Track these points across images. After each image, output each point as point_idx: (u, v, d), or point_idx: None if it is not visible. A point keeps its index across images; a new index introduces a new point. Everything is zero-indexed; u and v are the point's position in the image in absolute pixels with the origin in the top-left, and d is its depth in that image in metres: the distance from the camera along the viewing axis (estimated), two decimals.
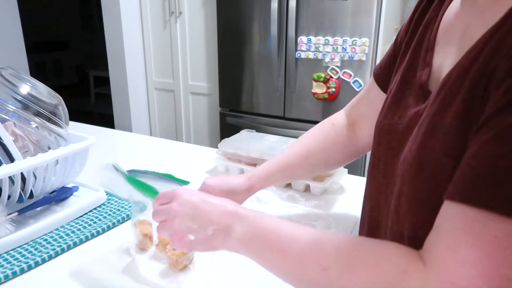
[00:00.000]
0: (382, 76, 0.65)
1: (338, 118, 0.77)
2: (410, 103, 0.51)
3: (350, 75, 1.97)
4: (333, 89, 2.00)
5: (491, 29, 0.39)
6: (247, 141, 1.07)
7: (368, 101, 0.71)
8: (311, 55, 2.02)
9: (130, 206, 0.84)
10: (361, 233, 0.62)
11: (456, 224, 0.36)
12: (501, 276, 0.33)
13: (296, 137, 2.22)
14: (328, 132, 0.75)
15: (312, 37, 2.00)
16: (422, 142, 0.44)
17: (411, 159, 0.45)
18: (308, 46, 2.01)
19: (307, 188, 0.93)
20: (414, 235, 0.45)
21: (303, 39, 2.01)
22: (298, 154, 0.74)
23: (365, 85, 1.93)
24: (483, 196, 0.34)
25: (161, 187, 0.94)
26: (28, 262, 0.65)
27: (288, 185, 0.95)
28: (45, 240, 0.71)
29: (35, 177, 0.75)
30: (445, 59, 0.49)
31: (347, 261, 0.42)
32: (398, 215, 0.48)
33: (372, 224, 0.57)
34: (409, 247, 0.43)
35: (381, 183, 0.55)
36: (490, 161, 0.34)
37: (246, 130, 1.17)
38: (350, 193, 0.93)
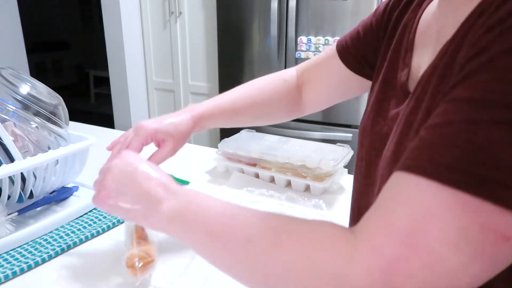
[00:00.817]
0: (348, 54, 0.66)
1: (289, 75, 0.76)
2: (392, 104, 0.52)
3: None
4: None
5: (459, 27, 0.40)
6: (247, 141, 1.07)
7: (323, 68, 0.71)
8: (311, 55, 2.02)
9: None
10: None
11: (392, 193, 0.33)
12: (432, 252, 0.29)
13: (296, 137, 2.21)
14: (278, 88, 0.74)
15: (312, 37, 2.00)
16: (398, 141, 0.45)
17: (388, 157, 0.46)
18: (308, 46, 2.01)
19: (307, 188, 0.93)
20: None
21: (303, 39, 2.01)
22: (245, 102, 0.72)
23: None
24: (421, 162, 0.32)
25: None
26: (28, 262, 0.65)
27: (288, 185, 0.95)
28: (45, 240, 0.71)
29: (35, 177, 0.75)
30: (422, 59, 0.49)
31: (274, 233, 0.38)
32: None
33: (353, 222, 0.58)
34: None
35: (363, 184, 0.56)
36: (432, 131, 0.32)
37: (246, 130, 1.17)
38: (350, 193, 0.93)
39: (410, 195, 0.32)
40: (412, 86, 0.49)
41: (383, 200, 0.34)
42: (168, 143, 0.64)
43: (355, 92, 0.71)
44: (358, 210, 0.58)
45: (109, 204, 0.50)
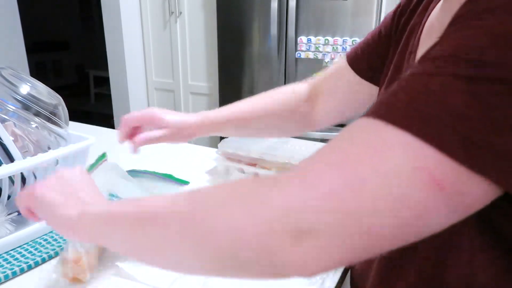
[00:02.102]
0: (359, 62, 0.66)
1: (300, 88, 0.75)
2: None
3: None
4: None
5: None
6: (247, 141, 1.07)
7: (334, 80, 0.71)
8: (311, 55, 2.02)
9: None
10: None
11: (338, 134, 0.32)
12: (358, 178, 0.27)
13: (296, 137, 2.21)
14: (288, 100, 0.74)
15: (312, 37, 2.00)
16: None
17: None
18: (308, 46, 2.01)
19: None
20: None
21: (303, 39, 2.01)
22: (255, 112, 0.73)
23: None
24: (373, 107, 0.31)
25: (161, 187, 0.94)
26: (28, 262, 0.65)
27: None
28: (45, 240, 0.71)
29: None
30: (426, 44, 0.49)
31: (199, 198, 0.35)
32: None
33: None
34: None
35: None
36: (393, 84, 0.31)
37: None
38: None
39: (353, 132, 0.30)
40: None
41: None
42: (167, 128, 0.68)
43: (368, 101, 0.69)
44: None
45: (35, 195, 0.47)
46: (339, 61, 0.70)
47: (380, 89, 0.60)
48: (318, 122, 0.74)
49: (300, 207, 0.28)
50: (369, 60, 0.65)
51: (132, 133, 0.73)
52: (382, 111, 0.29)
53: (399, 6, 0.61)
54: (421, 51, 0.51)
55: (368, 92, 0.67)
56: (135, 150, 0.72)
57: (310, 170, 0.30)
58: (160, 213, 0.36)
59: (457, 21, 0.31)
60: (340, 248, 0.28)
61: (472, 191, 0.27)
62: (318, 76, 0.74)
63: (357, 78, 0.67)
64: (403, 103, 0.29)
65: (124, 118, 0.69)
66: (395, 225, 0.27)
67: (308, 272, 0.29)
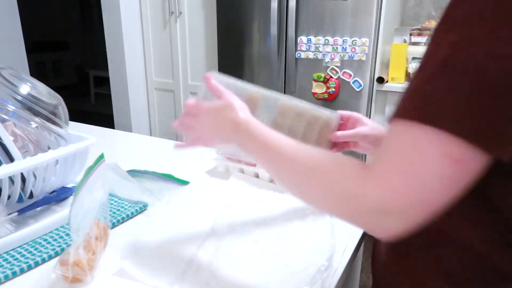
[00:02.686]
0: None
1: None
2: None
3: (350, 75, 1.97)
4: (333, 89, 2.00)
5: None
6: None
7: None
8: (311, 55, 2.02)
9: (130, 206, 0.84)
10: None
11: (389, 136, 0.41)
12: (414, 176, 0.38)
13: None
14: None
15: (312, 37, 2.00)
16: None
17: None
18: (308, 46, 2.01)
19: None
20: None
21: (303, 39, 2.01)
22: None
23: (365, 85, 1.93)
24: (397, 107, 0.40)
25: (161, 187, 0.94)
26: (28, 262, 0.65)
27: None
28: (45, 240, 0.71)
29: (35, 177, 0.75)
30: None
31: (316, 164, 0.48)
32: None
33: None
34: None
35: None
36: (414, 85, 0.40)
37: None
38: None
39: (397, 138, 0.40)
40: None
41: (384, 142, 0.43)
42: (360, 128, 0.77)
43: None
44: None
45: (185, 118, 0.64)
46: None
47: None
48: None
49: (383, 198, 0.40)
50: None
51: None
52: (403, 112, 0.39)
53: None
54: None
55: None
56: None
57: (382, 176, 0.40)
58: (296, 159, 0.50)
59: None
60: (409, 220, 0.40)
61: (477, 164, 0.37)
62: None
63: None
64: (421, 102, 0.38)
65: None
66: (440, 198, 0.39)
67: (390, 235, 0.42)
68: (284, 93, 2.14)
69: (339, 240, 0.73)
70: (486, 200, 0.43)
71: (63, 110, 0.84)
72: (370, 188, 0.41)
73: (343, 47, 1.95)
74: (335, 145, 0.77)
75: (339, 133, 0.75)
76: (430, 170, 0.38)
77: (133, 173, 0.99)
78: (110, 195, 0.88)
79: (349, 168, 0.44)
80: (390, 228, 0.41)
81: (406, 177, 0.39)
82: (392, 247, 0.54)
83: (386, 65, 2.10)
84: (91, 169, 0.63)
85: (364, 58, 1.92)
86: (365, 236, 0.77)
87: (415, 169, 0.38)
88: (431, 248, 0.48)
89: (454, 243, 0.46)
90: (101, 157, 0.67)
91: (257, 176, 0.99)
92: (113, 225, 0.78)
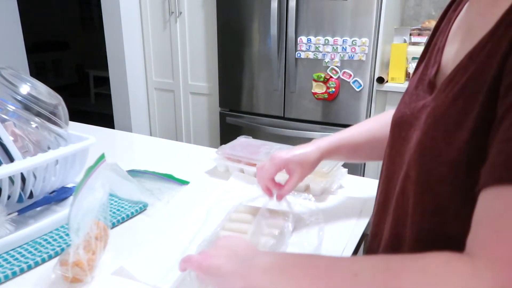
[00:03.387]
0: None
1: None
2: (420, 97, 0.57)
3: (350, 75, 1.97)
4: (333, 89, 2.00)
5: (491, 29, 0.43)
6: (242, 150, 1.06)
7: None
8: (311, 55, 2.02)
9: (130, 206, 0.84)
10: (372, 219, 0.67)
11: (495, 209, 0.35)
12: None
13: (296, 137, 2.20)
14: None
15: (312, 37, 2.00)
16: (425, 131, 0.48)
17: (415, 145, 0.50)
18: (308, 46, 2.01)
19: (307, 188, 0.93)
20: (418, 220, 0.49)
21: (303, 39, 2.01)
22: (365, 136, 0.77)
23: (364, 85, 1.93)
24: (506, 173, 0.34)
25: (161, 187, 0.94)
26: (28, 262, 0.65)
27: None
28: (45, 240, 0.71)
29: (35, 177, 0.75)
30: (450, 55, 0.54)
31: (380, 263, 0.40)
32: (403, 198, 0.52)
33: (379, 208, 0.62)
34: (413, 233, 0.48)
35: (390, 170, 0.59)
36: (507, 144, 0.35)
37: (243, 136, 1.17)
38: (350, 193, 0.93)
39: (499, 208, 0.35)
40: (439, 80, 0.54)
41: (489, 217, 0.36)
42: (296, 173, 0.74)
43: None
44: (385, 194, 0.60)
45: (204, 262, 0.52)
46: None
47: (410, 84, 0.63)
48: None
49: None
50: None
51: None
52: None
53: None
54: (447, 50, 0.55)
55: None
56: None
57: (500, 260, 0.34)
58: (353, 269, 0.41)
59: None
60: None
61: None
62: None
63: None
64: None
65: (259, 177, 0.78)
66: None
67: None
68: (284, 93, 2.14)
69: (339, 241, 0.73)
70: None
71: (63, 110, 0.84)
72: (486, 280, 0.34)
73: (343, 47, 1.95)
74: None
75: (280, 197, 0.77)
76: None
77: (133, 173, 0.99)
78: (110, 195, 0.88)
79: (440, 258, 0.37)
80: None
81: None
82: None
83: (386, 65, 2.10)
84: (91, 169, 0.63)
85: (364, 58, 1.92)
86: (364, 236, 0.78)
87: None
88: None
89: None
90: (102, 157, 0.67)
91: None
92: (113, 225, 0.78)
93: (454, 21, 0.57)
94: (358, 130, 0.78)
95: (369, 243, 0.66)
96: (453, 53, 0.53)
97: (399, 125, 0.58)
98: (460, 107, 0.44)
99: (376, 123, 0.78)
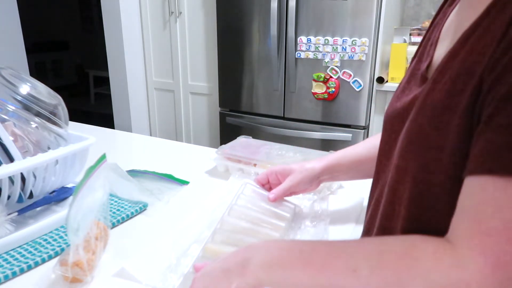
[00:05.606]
0: None
1: None
2: (412, 91, 0.57)
3: (350, 75, 1.97)
4: (333, 89, 2.00)
5: (478, 17, 0.45)
6: (242, 150, 1.06)
7: None
8: (310, 55, 2.02)
9: (130, 206, 0.84)
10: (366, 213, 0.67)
11: (478, 198, 0.37)
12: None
13: (296, 137, 2.20)
14: None
15: (312, 37, 2.00)
16: (413, 118, 0.49)
17: (404, 134, 0.51)
18: (308, 46, 2.01)
19: None
20: (407, 210, 0.49)
21: (302, 39, 2.01)
22: (368, 152, 0.78)
23: (364, 85, 1.93)
24: (503, 163, 0.35)
25: (161, 187, 0.94)
26: (28, 262, 0.65)
27: None
28: (45, 240, 0.71)
29: (35, 177, 0.75)
30: (442, 50, 0.54)
31: (376, 256, 0.41)
32: (393, 189, 0.52)
33: (373, 203, 0.62)
34: (403, 222, 0.48)
35: (384, 164, 0.60)
36: (504, 131, 0.36)
37: (243, 136, 1.17)
38: (349, 193, 0.93)
39: (499, 197, 0.35)
40: (430, 73, 0.55)
41: (470, 206, 0.37)
42: (287, 180, 0.77)
43: None
44: (377, 187, 0.61)
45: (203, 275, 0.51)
46: None
47: (403, 79, 0.64)
48: None
49: (495, 276, 0.35)
50: None
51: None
52: (494, 166, 0.35)
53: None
54: (440, 44, 0.56)
55: None
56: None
57: (484, 245, 0.35)
58: (351, 264, 0.42)
59: None
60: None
61: None
62: None
63: None
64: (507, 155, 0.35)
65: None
66: None
67: None
68: (284, 93, 2.14)
69: (338, 238, 0.73)
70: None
71: (63, 110, 0.84)
72: (469, 271, 0.35)
73: (343, 47, 1.95)
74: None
75: (273, 196, 0.77)
76: None
77: (133, 173, 0.99)
78: (110, 195, 0.88)
79: (427, 249, 0.39)
80: None
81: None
82: None
83: (386, 65, 2.10)
84: (92, 169, 0.63)
85: (364, 58, 1.92)
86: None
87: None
88: None
89: None
90: (103, 157, 0.67)
91: (257, 175, 0.99)
92: (113, 225, 0.78)
93: (448, 16, 0.58)
94: (364, 146, 0.80)
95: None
96: (445, 47, 0.53)
97: (391, 119, 0.59)
98: (449, 92, 0.44)
99: (371, 144, 0.79)
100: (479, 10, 0.45)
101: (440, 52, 0.55)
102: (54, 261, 0.66)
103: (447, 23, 0.57)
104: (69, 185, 0.86)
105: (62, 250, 0.69)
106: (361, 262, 0.41)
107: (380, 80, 1.96)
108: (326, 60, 2.00)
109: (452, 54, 0.47)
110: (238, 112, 2.32)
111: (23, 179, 0.74)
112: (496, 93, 0.37)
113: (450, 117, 0.43)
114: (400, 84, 0.63)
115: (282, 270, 0.46)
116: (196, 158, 1.16)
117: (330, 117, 2.06)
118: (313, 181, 0.79)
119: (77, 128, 0.93)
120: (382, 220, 0.56)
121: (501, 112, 0.36)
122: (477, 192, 0.37)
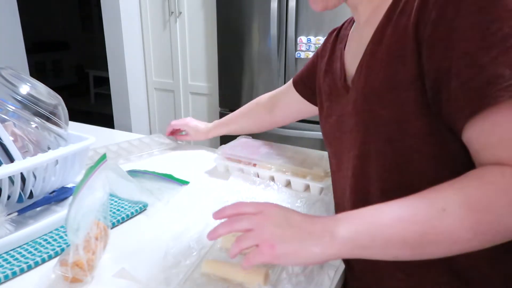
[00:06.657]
0: (302, 86, 0.94)
1: (263, 100, 1.10)
2: (339, 102, 0.66)
3: None
4: None
5: (386, 14, 0.54)
6: (241, 150, 1.06)
7: (284, 98, 1.02)
8: (311, 55, 2.02)
9: (130, 206, 0.84)
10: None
11: (499, 130, 0.44)
12: None
13: (295, 137, 2.19)
14: (254, 107, 1.12)
15: (312, 37, 2.00)
16: (360, 111, 0.58)
17: (355, 129, 0.60)
18: (308, 46, 2.01)
19: (306, 188, 0.93)
20: (380, 175, 0.57)
21: (302, 39, 2.01)
22: (237, 115, 1.14)
23: None
24: (490, 95, 0.42)
25: (161, 187, 0.94)
26: (28, 262, 0.65)
27: (288, 185, 0.95)
28: (45, 240, 0.72)
29: (35, 177, 0.75)
30: (352, 60, 0.65)
31: (456, 192, 0.44)
32: (356, 175, 0.61)
33: (337, 199, 0.74)
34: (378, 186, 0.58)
35: (337, 175, 0.70)
36: (469, 70, 0.44)
37: (243, 136, 1.17)
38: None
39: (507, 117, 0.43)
40: (349, 80, 0.65)
41: (497, 139, 0.44)
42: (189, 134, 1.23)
43: (308, 112, 0.98)
44: (336, 192, 0.74)
45: (278, 254, 0.48)
46: (289, 84, 0.99)
47: (319, 102, 0.79)
48: (276, 122, 1.08)
49: None
50: (307, 85, 0.91)
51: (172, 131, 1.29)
52: (504, 89, 0.42)
53: (334, 30, 0.84)
54: (348, 56, 0.68)
55: (308, 106, 0.94)
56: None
57: None
58: (418, 211, 0.45)
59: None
60: None
61: None
62: (276, 91, 1.06)
63: (299, 96, 0.95)
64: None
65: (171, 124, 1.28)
66: None
67: None
68: None
69: None
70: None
71: (63, 110, 0.84)
72: None
73: None
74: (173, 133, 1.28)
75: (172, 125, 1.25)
76: None
77: (133, 173, 0.99)
78: (110, 195, 0.88)
79: (496, 174, 0.44)
80: None
81: None
82: None
83: None
84: (92, 169, 0.63)
85: None
86: None
87: None
88: None
89: None
90: (103, 157, 0.67)
91: (257, 176, 0.99)
92: (113, 225, 0.78)
93: (347, 39, 0.71)
94: (237, 112, 1.14)
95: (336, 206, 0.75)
96: (355, 57, 0.61)
97: (333, 132, 0.69)
98: (388, 69, 0.52)
99: (244, 108, 1.13)
100: (378, 20, 0.55)
101: (350, 63, 0.65)
102: (54, 261, 0.66)
103: (349, 41, 0.70)
104: (69, 185, 0.86)
105: (62, 250, 0.69)
106: (446, 201, 0.44)
107: None
108: None
109: (374, 43, 0.55)
110: None
111: (23, 179, 0.74)
112: (438, 19, 0.46)
113: (397, 91, 0.51)
114: (322, 108, 0.75)
115: (371, 235, 0.45)
116: (196, 158, 1.16)
117: None
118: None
119: (77, 128, 0.93)
120: (354, 199, 0.63)
121: (453, 44, 0.45)
122: (491, 127, 0.44)
